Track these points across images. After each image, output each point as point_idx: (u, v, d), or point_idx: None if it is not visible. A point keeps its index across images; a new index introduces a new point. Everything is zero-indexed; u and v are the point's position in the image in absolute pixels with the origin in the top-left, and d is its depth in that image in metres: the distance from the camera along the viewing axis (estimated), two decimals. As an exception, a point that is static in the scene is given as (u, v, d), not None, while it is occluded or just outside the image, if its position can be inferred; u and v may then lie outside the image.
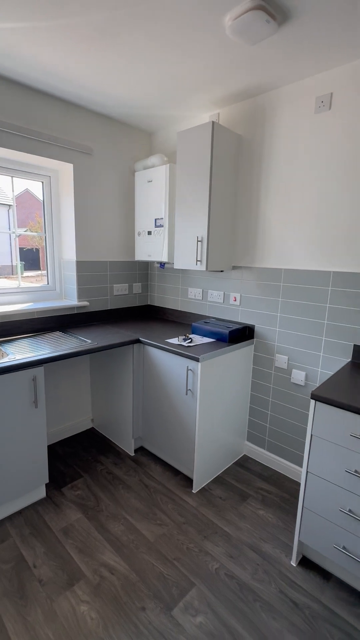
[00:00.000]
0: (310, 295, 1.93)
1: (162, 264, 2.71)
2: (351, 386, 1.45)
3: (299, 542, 1.54)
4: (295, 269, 1.98)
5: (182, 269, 2.62)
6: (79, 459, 2.30)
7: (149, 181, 2.41)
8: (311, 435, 1.41)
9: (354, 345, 1.78)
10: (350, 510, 1.34)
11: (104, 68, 1.76)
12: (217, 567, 1.53)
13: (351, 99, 1.66)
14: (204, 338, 2.18)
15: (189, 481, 2.09)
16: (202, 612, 1.34)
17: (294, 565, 1.55)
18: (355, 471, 1.30)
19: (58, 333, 2.25)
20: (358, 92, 1.64)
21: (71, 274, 2.46)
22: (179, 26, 1.41)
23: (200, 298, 2.54)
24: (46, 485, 2.02)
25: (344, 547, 1.38)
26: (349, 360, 1.82)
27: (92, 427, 2.71)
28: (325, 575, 1.52)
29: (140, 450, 2.41)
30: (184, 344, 2.04)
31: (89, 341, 2.05)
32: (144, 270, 2.91)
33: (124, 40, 1.52)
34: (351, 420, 1.29)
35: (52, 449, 2.41)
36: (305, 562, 1.57)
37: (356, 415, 1.27)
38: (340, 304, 1.82)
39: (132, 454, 2.35)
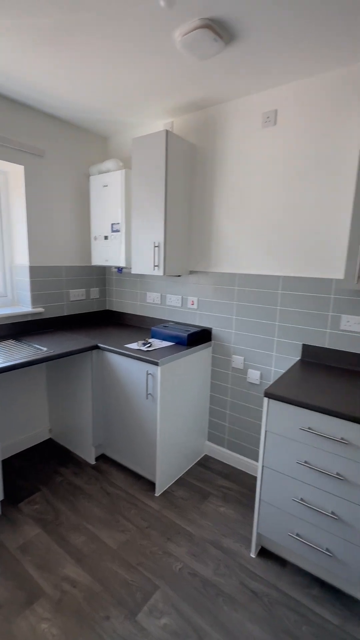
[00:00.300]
0: (262, 299, 2.04)
1: (119, 269, 2.70)
2: (300, 383, 1.56)
3: (258, 534, 1.62)
4: (248, 273, 2.08)
5: (140, 274, 2.63)
6: (36, 471, 2.21)
7: (105, 186, 2.40)
8: (265, 431, 1.50)
9: (303, 344, 1.92)
10: (302, 499, 1.44)
11: (55, 71, 1.73)
12: (180, 567, 1.56)
13: (294, 116, 1.79)
14: (164, 342, 2.21)
15: (151, 485, 2.10)
16: (167, 613, 1.36)
17: (253, 556, 1.63)
18: (305, 462, 1.40)
19: (11, 341, 2.15)
20: (299, 110, 1.77)
21: (24, 280, 2.37)
22: (131, 37, 1.44)
23: (159, 302, 2.57)
24: (1, 502, 1.92)
25: (297, 534, 1.47)
26: (299, 358, 1.95)
27: (50, 438, 2.61)
28: (282, 562, 1.61)
29: (101, 457, 2.37)
30: (144, 348, 2.05)
31: (45, 349, 1.99)
32: (101, 275, 2.87)
33: (74, 46, 1.51)
34: (300, 415, 1.39)
35: (7, 463, 2.29)
36: (264, 553, 1.65)
37: (305, 410, 1.37)
38: (289, 306, 1.94)
39: (92, 462, 2.31)
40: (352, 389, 1.50)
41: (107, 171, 2.41)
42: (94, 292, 2.81)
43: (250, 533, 1.76)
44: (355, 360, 1.76)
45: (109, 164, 2.39)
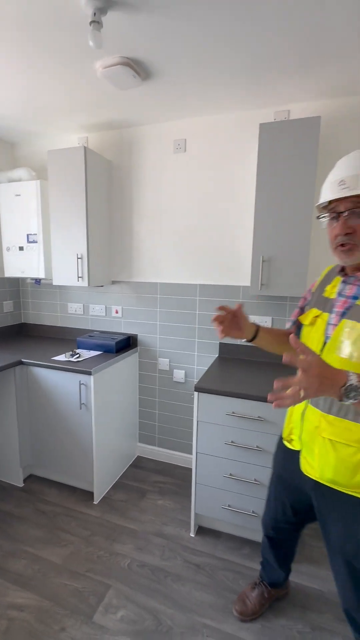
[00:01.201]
0: (183, 305, 2.27)
1: (37, 280, 2.61)
2: (222, 376, 1.82)
3: (196, 514, 1.81)
4: (169, 282, 2.28)
5: (59, 285, 2.59)
6: None
7: (17, 195, 2.31)
8: (197, 421, 1.71)
9: (220, 343, 2.21)
10: (231, 474, 1.69)
11: None
12: (128, 563, 1.65)
13: (199, 146, 2.07)
14: (91, 351, 2.24)
15: (88, 495, 2.11)
16: (122, 607, 1.44)
17: (193, 536, 1.82)
18: (232, 442, 1.66)
19: None
20: (204, 141, 2.05)
21: None
22: (51, 56, 1.48)
23: (82, 312, 2.58)
24: None
25: (229, 505, 1.72)
26: (217, 355, 2.23)
27: (-35, 468, 2.36)
28: (217, 535, 1.83)
29: (30, 478, 2.26)
30: (73, 359, 2.06)
31: None
32: (15, 287, 2.72)
33: (-11, 56, 1.48)
34: (225, 403, 1.64)
35: None
36: (202, 531, 1.86)
37: (229, 398, 1.62)
38: (206, 310, 2.21)
39: (21, 484, 2.19)
40: (261, 376, 1.83)
41: (19, 180, 2.33)
42: (8, 305, 2.65)
43: (188, 517, 1.95)
44: (261, 353, 2.12)
45: (20, 172, 2.31)
